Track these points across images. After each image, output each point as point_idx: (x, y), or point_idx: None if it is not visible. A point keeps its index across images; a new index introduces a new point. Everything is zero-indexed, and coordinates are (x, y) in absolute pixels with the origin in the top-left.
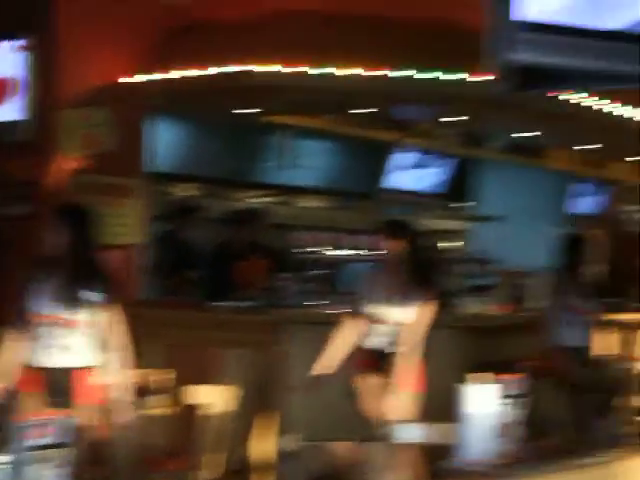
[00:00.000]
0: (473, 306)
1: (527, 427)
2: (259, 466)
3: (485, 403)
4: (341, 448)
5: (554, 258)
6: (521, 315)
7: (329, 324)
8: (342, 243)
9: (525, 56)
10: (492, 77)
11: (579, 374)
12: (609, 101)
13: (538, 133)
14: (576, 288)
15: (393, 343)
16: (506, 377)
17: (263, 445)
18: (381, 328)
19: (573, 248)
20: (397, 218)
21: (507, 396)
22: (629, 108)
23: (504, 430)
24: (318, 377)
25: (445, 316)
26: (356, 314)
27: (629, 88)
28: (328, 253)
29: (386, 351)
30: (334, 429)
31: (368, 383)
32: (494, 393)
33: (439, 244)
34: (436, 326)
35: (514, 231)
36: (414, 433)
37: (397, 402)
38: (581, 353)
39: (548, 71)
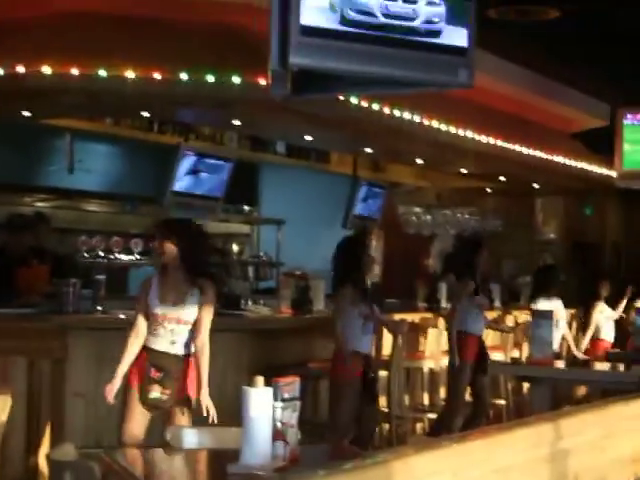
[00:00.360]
0: (258, 309)
1: (308, 429)
2: (35, 477)
3: (264, 407)
4: (123, 455)
5: (335, 264)
6: (306, 318)
7: (112, 329)
8: (130, 247)
9: (303, 60)
10: (272, 81)
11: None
12: (390, 105)
13: (320, 136)
14: (362, 294)
15: (175, 342)
16: (283, 380)
17: (41, 455)
18: (164, 328)
19: (351, 251)
20: (168, 218)
21: (283, 399)
22: (409, 112)
23: (281, 433)
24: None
25: (230, 319)
26: (140, 317)
27: (405, 93)
28: (116, 257)
29: (170, 352)
30: (115, 436)
31: (136, 405)
32: (272, 396)
33: (223, 247)
34: (221, 329)
35: (299, 234)
36: (198, 438)
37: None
38: (370, 360)
39: (325, 75)
